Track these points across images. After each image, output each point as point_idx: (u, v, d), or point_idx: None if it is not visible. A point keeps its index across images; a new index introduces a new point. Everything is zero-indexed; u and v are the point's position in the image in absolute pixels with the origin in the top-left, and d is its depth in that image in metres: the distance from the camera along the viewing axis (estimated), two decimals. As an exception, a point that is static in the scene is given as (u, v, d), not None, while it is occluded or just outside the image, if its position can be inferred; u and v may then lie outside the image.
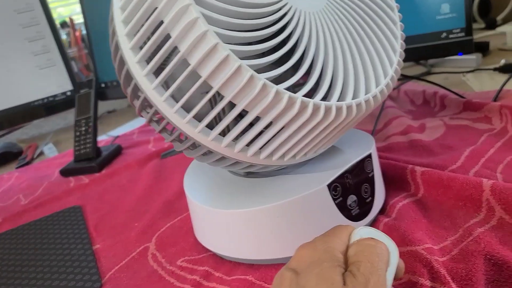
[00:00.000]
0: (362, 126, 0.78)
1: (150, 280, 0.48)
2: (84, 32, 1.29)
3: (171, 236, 0.56)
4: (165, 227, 0.59)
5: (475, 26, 1.41)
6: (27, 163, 1.12)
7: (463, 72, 0.96)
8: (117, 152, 0.98)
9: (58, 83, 1.00)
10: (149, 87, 0.36)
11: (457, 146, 0.61)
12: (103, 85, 1.01)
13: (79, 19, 1.41)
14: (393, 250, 0.32)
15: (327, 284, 0.28)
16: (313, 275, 0.29)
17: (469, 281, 0.37)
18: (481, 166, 0.53)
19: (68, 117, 1.47)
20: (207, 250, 0.50)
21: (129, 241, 0.58)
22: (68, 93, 1.01)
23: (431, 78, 1.00)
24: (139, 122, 1.26)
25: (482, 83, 0.87)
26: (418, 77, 0.89)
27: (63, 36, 1.42)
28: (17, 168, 1.09)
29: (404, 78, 0.95)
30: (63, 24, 1.43)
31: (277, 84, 0.33)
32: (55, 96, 1.00)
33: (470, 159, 0.56)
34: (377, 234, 0.33)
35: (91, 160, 0.91)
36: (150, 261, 0.52)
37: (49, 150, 1.19)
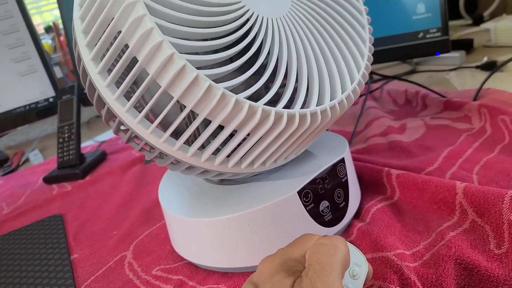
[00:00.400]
0: (343, 127, 0.78)
1: (124, 291, 0.47)
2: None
3: (148, 244, 0.55)
4: (143, 235, 0.58)
5: (461, 22, 1.42)
6: (12, 171, 1.11)
7: (446, 70, 0.96)
8: (101, 158, 0.97)
9: (40, 89, 0.99)
10: (111, 98, 0.36)
11: (435, 147, 0.60)
12: (86, 90, 1.00)
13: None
14: (362, 263, 0.32)
15: None
16: None
17: (439, 286, 0.37)
18: (458, 167, 0.53)
19: (55, 122, 1.45)
20: (183, 259, 0.50)
21: (106, 249, 0.57)
22: (51, 99, 1.01)
23: (415, 76, 1.00)
24: (125, 126, 1.25)
25: (464, 81, 0.87)
26: (398, 77, 0.89)
27: (48, 41, 1.41)
28: (2, 175, 1.08)
29: (384, 78, 0.94)
30: (48, 29, 1.42)
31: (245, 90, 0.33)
32: (37, 103, 1.00)
33: (448, 160, 0.55)
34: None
35: (74, 167, 0.91)
36: (126, 270, 0.51)
37: (35, 157, 1.18)
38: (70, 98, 0.95)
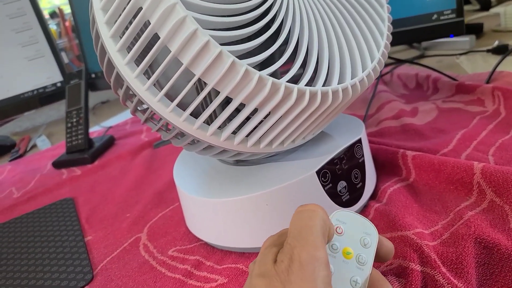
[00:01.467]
0: (354, 111, 0.78)
1: (141, 271, 0.47)
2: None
3: (162, 226, 0.56)
4: (157, 217, 0.58)
5: (469, 7, 1.40)
6: (20, 156, 1.12)
7: (456, 55, 0.95)
8: (109, 143, 0.97)
9: (47, 74, 0.98)
10: (131, 75, 0.36)
11: (449, 130, 0.60)
12: (93, 75, 1.00)
13: (68, 8, 1.39)
14: (372, 231, 0.32)
15: (261, 268, 0.28)
16: (256, 265, 0.29)
17: (460, 264, 0.37)
18: (473, 149, 0.53)
19: (61, 108, 1.45)
20: (198, 240, 0.50)
21: (120, 232, 0.57)
22: (58, 84, 1.00)
23: (424, 61, 0.99)
24: (132, 112, 1.25)
25: (475, 65, 0.86)
26: (411, 61, 0.88)
27: (53, 27, 1.41)
28: (10, 161, 1.09)
29: (397, 61, 0.94)
30: (53, 14, 1.41)
31: (262, 69, 0.33)
32: (45, 87, 0.99)
33: (462, 142, 0.55)
34: (352, 215, 0.33)
35: (83, 151, 0.91)
36: (142, 251, 0.51)
37: (42, 143, 1.18)
38: (78, 83, 0.95)
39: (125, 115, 1.24)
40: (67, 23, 1.35)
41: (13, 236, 0.63)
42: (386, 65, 0.99)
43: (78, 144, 0.91)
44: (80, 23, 0.95)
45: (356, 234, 0.32)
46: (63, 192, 0.77)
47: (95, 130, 1.16)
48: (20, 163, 1.03)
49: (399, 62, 0.94)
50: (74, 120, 0.93)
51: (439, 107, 0.70)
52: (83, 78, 0.95)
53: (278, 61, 0.34)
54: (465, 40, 1.01)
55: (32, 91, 0.98)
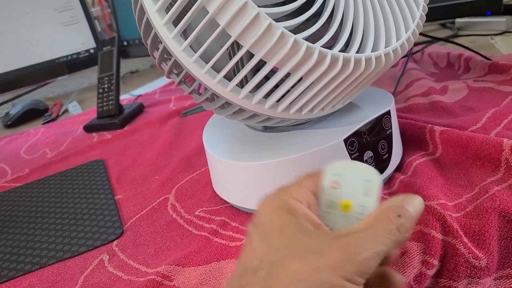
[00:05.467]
0: (382, 88, 0.77)
1: (169, 228, 0.49)
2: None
3: (189, 189, 0.57)
4: (184, 180, 0.60)
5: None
6: (53, 120, 1.15)
7: (491, 35, 0.93)
8: (139, 110, 1.00)
9: (81, 40, 1.01)
10: (168, 36, 0.37)
11: (479, 108, 0.60)
12: (125, 43, 1.02)
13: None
14: (373, 177, 0.30)
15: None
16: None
17: (482, 236, 0.37)
18: (503, 128, 0.52)
19: (92, 76, 1.49)
20: (224, 202, 0.51)
21: (149, 192, 0.59)
22: (91, 51, 1.03)
23: (457, 40, 0.97)
24: (161, 82, 1.27)
25: (511, 46, 0.84)
26: (445, 39, 0.86)
27: (86, -5, 1.42)
28: (43, 124, 1.12)
29: (432, 39, 0.92)
30: (86, -17, 1.42)
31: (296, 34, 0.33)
32: (78, 53, 1.02)
33: (492, 120, 0.55)
34: (349, 164, 0.31)
35: (113, 117, 0.93)
36: (170, 211, 0.53)
37: (73, 108, 1.22)
38: (111, 50, 0.96)
39: (154, 85, 1.26)
40: (100, -8, 1.36)
41: (48, 192, 0.66)
42: (418, 43, 0.97)
43: (109, 109, 0.94)
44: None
45: (355, 184, 0.30)
46: (94, 154, 0.80)
47: (125, 98, 1.18)
48: (53, 126, 1.06)
49: (433, 39, 0.92)
50: (106, 86, 0.95)
51: (469, 86, 0.69)
52: (115, 45, 0.96)
53: (313, 26, 0.35)
54: (501, 21, 0.98)
55: (67, 56, 1.01)
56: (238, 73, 0.38)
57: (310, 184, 0.31)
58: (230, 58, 0.41)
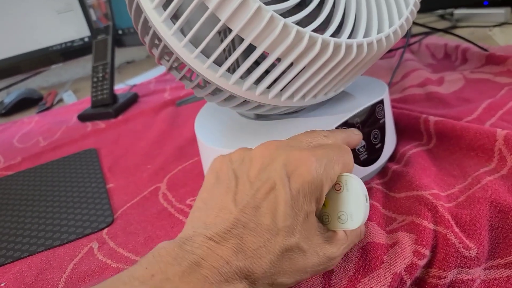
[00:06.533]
0: (379, 79, 0.76)
1: (159, 217, 0.49)
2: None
3: (182, 178, 0.57)
4: (176, 169, 0.60)
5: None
6: (47, 109, 1.15)
7: (489, 26, 0.92)
8: (133, 99, 0.99)
9: (76, 28, 0.99)
10: (158, 20, 0.36)
11: (474, 99, 0.59)
12: (120, 32, 1.01)
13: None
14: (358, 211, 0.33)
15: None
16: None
17: (473, 226, 0.37)
18: (498, 119, 0.52)
19: (87, 66, 1.48)
20: (216, 191, 0.51)
21: (141, 181, 0.59)
22: (86, 39, 1.02)
23: (456, 32, 0.96)
24: (157, 72, 1.26)
25: (509, 37, 0.84)
26: (443, 30, 0.86)
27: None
28: (37, 113, 1.12)
29: (430, 30, 0.91)
30: (82, -29, 1.41)
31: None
32: (72, 41, 1.01)
33: (487, 111, 0.54)
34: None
35: (107, 106, 0.93)
36: (161, 199, 0.53)
37: (68, 97, 1.21)
38: (105, 38, 0.96)
39: (149, 75, 1.25)
40: (96, -20, 1.35)
41: (39, 180, 0.66)
42: (415, 35, 0.96)
43: (103, 98, 0.93)
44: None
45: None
46: (88, 143, 0.79)
47: (120, 87, 1.17)
48: (47, 115, 1.05)
49: (432, 30, 0.91)
50: (100, 75, 0.95)
51: (466, 77, 0.68)
52: (110, 33, 0.95)
53: (304, 10, 0.34)
54: (500, 13, 0.97)
55: (61, 44, 1.00)
56: (229, 57, 0.37)
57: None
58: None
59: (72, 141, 0.81)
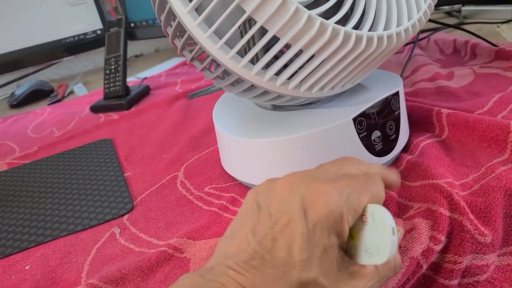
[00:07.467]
0: (389, 72, 0.78)
1: (178, 203, 0.50)
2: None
3: (198, 167, 0.58)
4: (193, 159, 0.61)
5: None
6: (58, 101, 1.16)
7: (497, 23, 0.93)
8: (145, 92, 1.00)
9: (88, 21, 1.01)
10: (183, 11, 0.37)
11: (485, 93, 0.60)
12: (132, 24, 1.02)
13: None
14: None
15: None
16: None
17: (488, 213, 0.38)
18: (509, 112, 0.53)
19: (96, 59, 1.49)
20: (233, 179, 0.52)
21: (158, 170, 0.60)
22: (98, 32, 1.03)
23: (463, 28, 0.97)
24: (165, 66, 1.27)
25: (518, 33, 0.84)
26: (452, 25, 0.87)
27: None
28: (48, 104, 1.13)
29: (440, 25, 0.92)
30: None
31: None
32: (85, 34, 1.02)
33: (498, 104, 0.55)
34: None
35: (120, 98, 0.94)
36: (179, 187, 0.54)
37: (79, 89, 1.22)
38: (118, 31, 0.97)
39: (158, 68, 1.27)
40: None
41: (57, 168, 0.67)
42: (424, 30, 0.97)
43: (116, 90, 0.94)
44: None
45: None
46: (102, 133, 0.81)
47: (130, 80, 1.18)
48: (59, 107, 1.07)
49: (441, 25, 0.92)
50: (113, 67, 0.96)
51: (476, 72, 0.69)
52: (122, 26, 0.96)
53: (327, 2, 0.35)
54: (507, 9, 0.98)
55: (74, 36, 1.01)
56: (249, 51, 0.38)
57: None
58: (242, 37, 0.42)
59: (86, 132, 0.83)
